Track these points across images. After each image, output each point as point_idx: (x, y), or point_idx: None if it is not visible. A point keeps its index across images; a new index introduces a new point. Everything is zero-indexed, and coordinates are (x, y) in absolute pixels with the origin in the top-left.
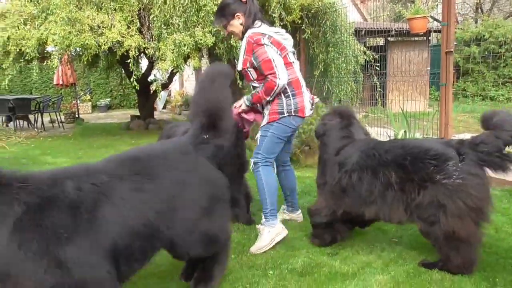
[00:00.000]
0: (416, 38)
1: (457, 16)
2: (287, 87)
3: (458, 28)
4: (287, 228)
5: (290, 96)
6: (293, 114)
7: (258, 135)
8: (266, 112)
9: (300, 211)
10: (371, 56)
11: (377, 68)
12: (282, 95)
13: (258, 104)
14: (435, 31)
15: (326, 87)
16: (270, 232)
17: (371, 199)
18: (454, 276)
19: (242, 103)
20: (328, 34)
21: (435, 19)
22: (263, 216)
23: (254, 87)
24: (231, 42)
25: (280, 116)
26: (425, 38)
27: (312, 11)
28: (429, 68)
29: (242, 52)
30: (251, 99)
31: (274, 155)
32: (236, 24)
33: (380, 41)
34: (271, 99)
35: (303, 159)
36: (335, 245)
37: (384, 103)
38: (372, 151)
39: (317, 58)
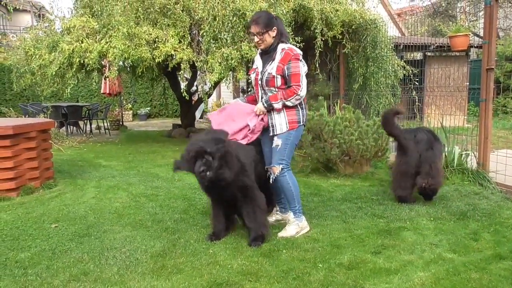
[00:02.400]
0: (455, 53)
1: (498, 31)
2: (302, 100)
3: (499, 44)
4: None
5: (304, 107)
6: (304, 123)
7: (278, 143)
8: (280, 121)
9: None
10: (410, 71)
11: (416, 82)
12: (298, 106)
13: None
14: (475, 47)
15: (364, 100)
16: (298, 226)
17: None
18: (491, 276)
19: (262, 108)
20: (368, 49)
21: (476, 35)
22: (291, 213)
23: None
24: None
25: (298, 125)
26: (464, 53)
27: (353, 27)
28: (468, 83)
29: (277, 60)
30: (267, 99)
31: (290, 160)
32: (271, 36)
33: (418, 55)
34: (288, 104)
35: (342, 168)
36: (378, 245)
37: (421, 117)
38: None
39: (356, 72)
